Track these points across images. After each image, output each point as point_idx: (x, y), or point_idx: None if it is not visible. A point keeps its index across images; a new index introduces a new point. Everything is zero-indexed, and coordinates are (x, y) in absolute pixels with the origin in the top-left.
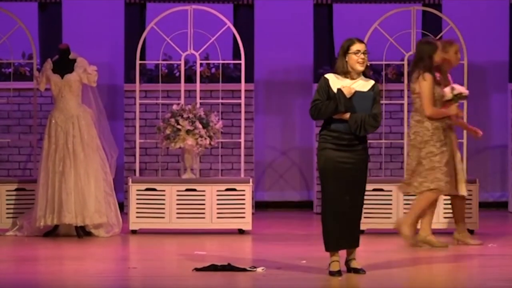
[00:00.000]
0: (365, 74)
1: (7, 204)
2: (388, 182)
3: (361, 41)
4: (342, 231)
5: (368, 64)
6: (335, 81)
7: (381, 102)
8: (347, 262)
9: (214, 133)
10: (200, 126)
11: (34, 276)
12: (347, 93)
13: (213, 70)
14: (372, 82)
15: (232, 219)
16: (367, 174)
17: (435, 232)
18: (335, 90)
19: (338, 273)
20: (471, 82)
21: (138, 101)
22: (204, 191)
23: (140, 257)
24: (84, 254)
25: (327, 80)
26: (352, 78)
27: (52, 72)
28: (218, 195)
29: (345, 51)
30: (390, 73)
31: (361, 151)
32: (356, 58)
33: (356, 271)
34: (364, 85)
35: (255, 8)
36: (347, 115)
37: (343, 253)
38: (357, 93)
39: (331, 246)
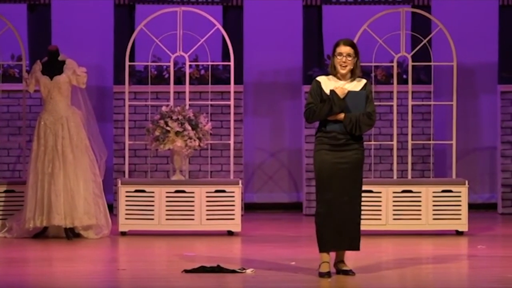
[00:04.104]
0: (356, 74)
1: None
2: (378, 183)
3: (347, 44)
4: (338, 232)
5: (351, 67)
6: (327, 83)
7: None
8: (336, 264)
9: (203, 134)
10: (189, 128)
11: (23, 278)
12: (341, 93)
13: (202, 71)
14: (364, 81)
15: (221, 220)
16: (362, 173)
17: (424, 234)
18: (327, 92)
19: (328, 274)
20: (461, 83)
21: (127, 103)
22: (193, 192)
23: (129, 258)
24: (73, 255)
25: (319, 83)
26: (342, 79)
27: (41, 73)
28: (207, 196)
29: (333, 52)
30: (380, 74)
31: (357, 151)
32: (338, 61)
33: (346, 272)
34: (356, 84)
35: (244, 9)
36: (342, 116)
37: (333, 255)
38: (350, 93)
39: (325, 246)
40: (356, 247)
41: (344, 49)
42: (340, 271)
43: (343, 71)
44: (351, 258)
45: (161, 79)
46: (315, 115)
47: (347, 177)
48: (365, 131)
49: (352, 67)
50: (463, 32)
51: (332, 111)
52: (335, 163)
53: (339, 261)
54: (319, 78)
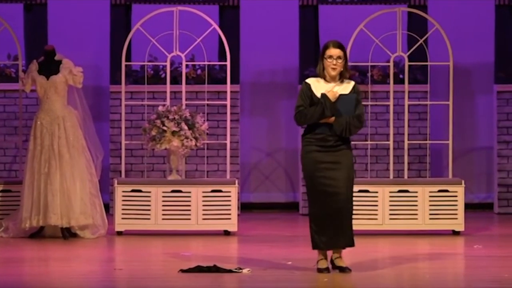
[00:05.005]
0: (344, 76)
1: None
2: (374, 183)
3: (336, 46)
4: (334, 232)
5: (341, 69)
6: (317, 86)
7: (367, 103)
8: (332, 261)
9: (200, 134)
10: (186, 128)
11: (19, 277)
12: (332, 97)
13: (199, 71)
14: (352, 83)
15: (217, 220)
16: (353, 173)
17: (420, 234)
18: (318, 95)
19: (327, 270)
20: (457, 83)
21: (123, 103)
22: (189, 192)
23: (126, 258)
24: (70, 255)
25: (308, 85)
26: (331, 81)
27: (38, 73)
28: (203, 196)
29: (322, 54)
30: (376, 74)
31: (345, 151)
32: (328, 63)
33: (342, 269)
34: (345, 87)
35: (240, 9)
36: (332, 119)
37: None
38: (340, 97)
39: (320, 246)
40: (352, 244)
41: (334, 51)
42: (336, 267)
43: (333, 73)
44: (347, 258)
45: (157, 79)
46: (307, 118)
47: (340, 178)
48: (354, 133)
49: (341, 69)
50: (459, 32)
51: (324, 114)
52: (328, 163)
53: (337, 257)
54: (308, 80)
